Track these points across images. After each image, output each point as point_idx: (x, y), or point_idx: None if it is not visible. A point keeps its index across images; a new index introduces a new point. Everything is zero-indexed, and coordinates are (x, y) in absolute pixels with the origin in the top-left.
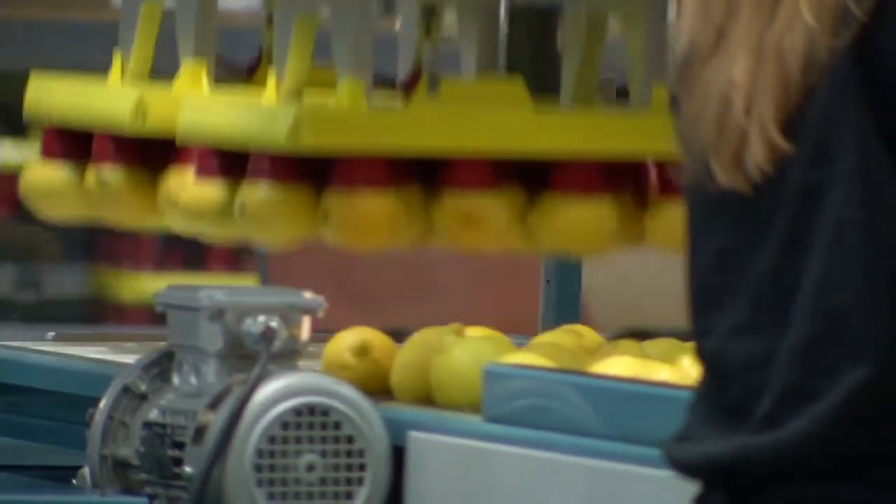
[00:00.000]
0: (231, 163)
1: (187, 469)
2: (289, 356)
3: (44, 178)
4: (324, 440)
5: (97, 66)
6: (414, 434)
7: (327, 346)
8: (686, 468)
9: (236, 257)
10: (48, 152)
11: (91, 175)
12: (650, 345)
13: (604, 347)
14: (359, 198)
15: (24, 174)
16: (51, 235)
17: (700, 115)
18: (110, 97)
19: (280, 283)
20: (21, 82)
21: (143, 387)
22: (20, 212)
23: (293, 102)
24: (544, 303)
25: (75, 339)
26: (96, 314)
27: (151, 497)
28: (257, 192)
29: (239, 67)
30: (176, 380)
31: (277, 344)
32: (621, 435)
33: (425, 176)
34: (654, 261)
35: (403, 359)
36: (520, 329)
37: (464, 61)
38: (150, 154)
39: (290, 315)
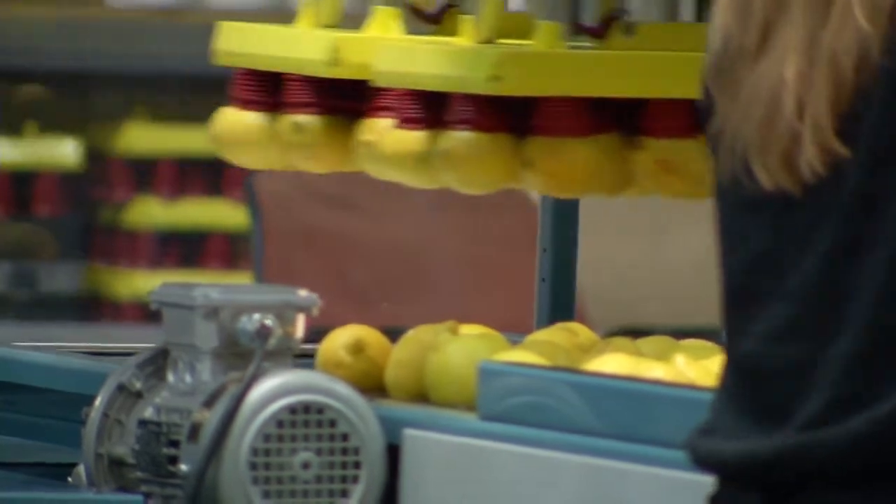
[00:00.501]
0: (431, 108)
1: (182, 467)
2: (284, 354)
3: (236, 125)
4: (319, 438)
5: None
6: (409, 432)
7: (322, 344)
8: (719, 463)
9: (231, 255)
10: (240, 99)
11: (285, 122)
12: (644, 342)
13: (598, 345)
14: (562, 145)
15: (216, 122)
16: (46, 233)
17: (746, 115)
18: (304, 42)
19: (275, 281)
20: (10, 82)
21: (138, 385)
22: (15, 210)
23: (492, 46)
24: (539, 301)
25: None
26: (91, 312)
27: (147, 495)
28: (458, 138)
29: (427, 14)
30: (171, 378)
31: (272, 342)
32: (616, 432)
33: (623, 122)
34: (646, 261)
35: (398, 356)
36: (515, 327)
37: (646, 8)
38: (345, 99)
39: (284, 313)
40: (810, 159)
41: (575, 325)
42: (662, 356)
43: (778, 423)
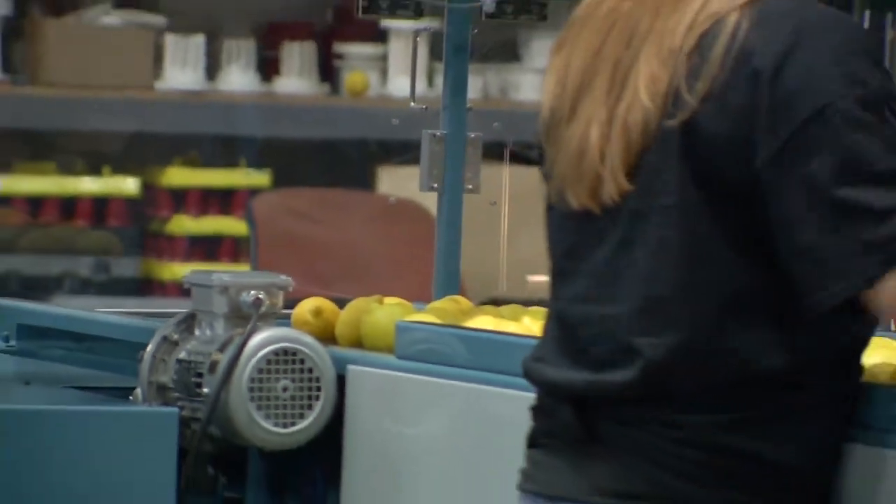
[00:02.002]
0: None
1: (205, 390)
2: (270, 317)
3: None
4: (293, 371)
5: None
6: (351, 367)
7: (294, 310)
8: (543, 384)
9: (237, 253)
10: None
11: None
12: (503, 309)
13: (473, 311)
14: None
15: None
16: (116, 238)
17: (564, 161)
18: None
19: (266, 269)
20: (93, 138)
21: (175, 336)
22: (97, 222)
23: None
24: (435, 282)
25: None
26: (145, 290)
27: (181, 409)
28: None
29: None
30: (197, 332)
31: (263, 309)
32: (486, 367)
33: None
34: (504, 254)
35: (344, 318)
36: (419, 299)
37: None
38: None
39: (270, 290)
40: (609, 191)
41: (459, 298)
42: (515, 318)
43: (581, 361)
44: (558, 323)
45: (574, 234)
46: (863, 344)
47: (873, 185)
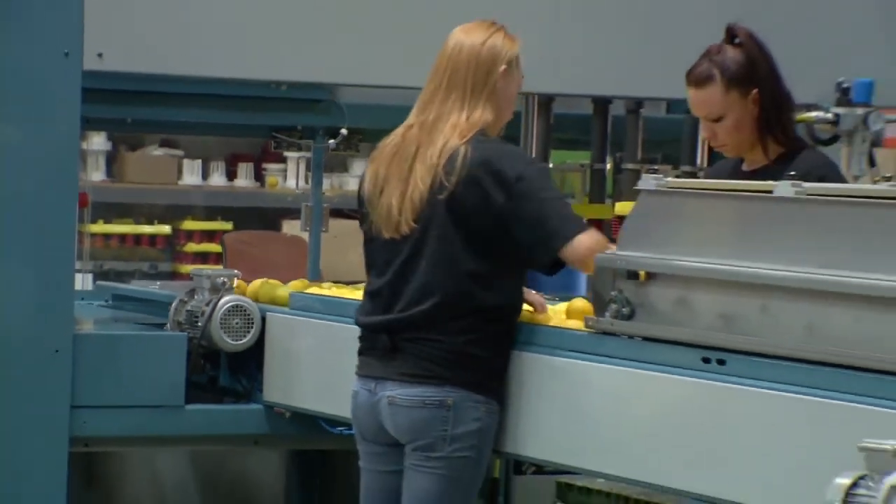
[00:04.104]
0: None
1: (198, 325)
2: (229, 290)
3: None
4: (240, 315)
5: None
6: (269, 314)
7: (240, 285)
8: (366, 325)
9: (217, 261)
10: None
11: None
12: (343, 288)
13: (333, 288)
14: None
15: None
16: (163, 254)
17: (378, 215)
18: None
19: (231, 267)
20: None
21: (186, 299)
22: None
23: None
24: (309, 275)
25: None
26: (172, 277)
27: (188, 334)
28: None
29: None
30: (196, 297)
31: (227, 287)
32: (338, 316)
33: None
34: (336, 260)
35: (264, 290)
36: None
37: None
38: None
39: (230, 277)
40: (403, 229)
41: (323, 283)
42: (349, 292)
43: (389, 312)
44: (374, 294)
45: (385, 251)
46: (521, 299)
47: (559, 206)
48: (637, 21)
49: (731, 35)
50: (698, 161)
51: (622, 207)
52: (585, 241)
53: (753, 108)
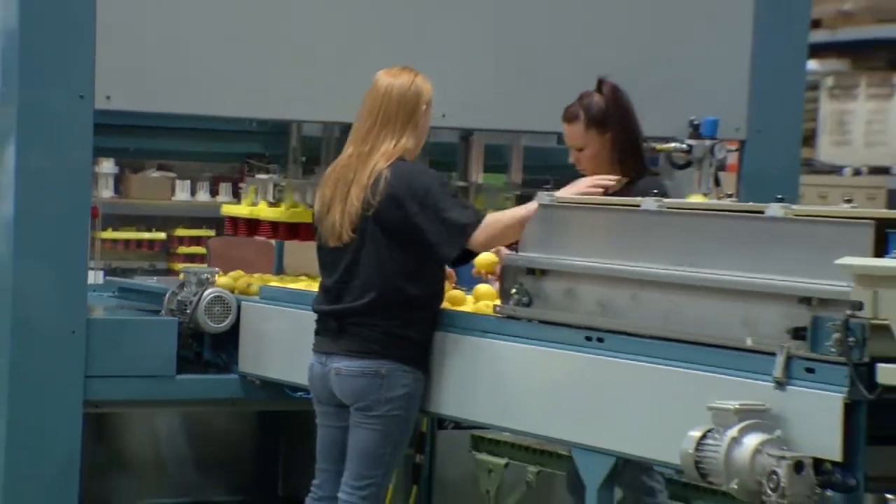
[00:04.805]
0: None
1: (187, 312)
2: (212, 284)
3: None
4: (220, 304)
5: None
6: (244, 302)
7: (220, 278)
8: (320, 311)
9: (204, 260)
10: None
11: None
12: (296, 280)
13: (292, 280)
14: None
15: None
16: (159, 255)
17: (325, 229)
18: None
19: (213, 266)
20: None
21: (177, 291)
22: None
23: None
24: (275, 270)
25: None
26: (168, 274)
27: (179, 318)
28: None
29: None
30: (185, 289)
31: (210, 281)
32: (296, 302)
33: None
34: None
35: (240, 283)
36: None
37: None
38: None
39: (212, 274)
40: (345, 238)
41: (285, 277)
42: (308, 284)
43: (337, 302)
44: (326, 289)
45: (332, 256)
46: (442, 290)
47: (460, 208)
48: (525, 67)
49: (599, 85)
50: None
51: None
52: (481, 233)
53: (608, 145)
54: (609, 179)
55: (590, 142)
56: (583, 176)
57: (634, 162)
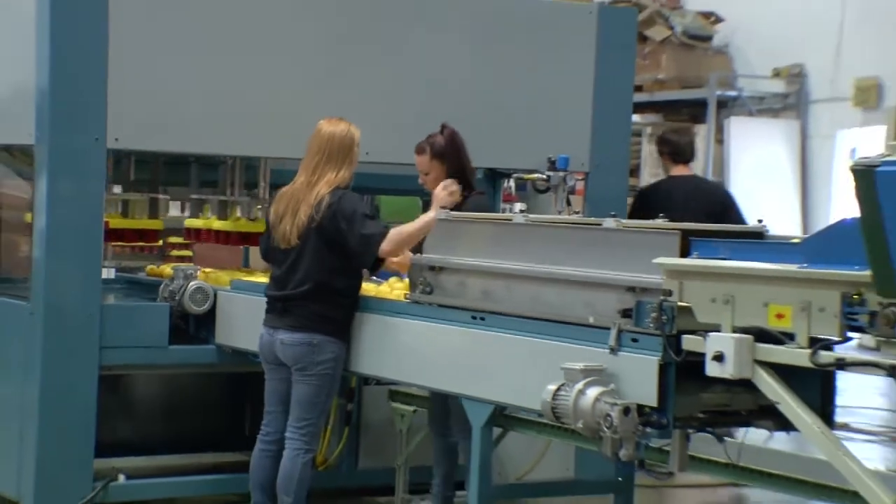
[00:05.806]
0: None
1: (176, 298)
2: (195, 278)
3: None
4: (201, 293)
5: None
6: (219, 292)
7: (202, 274)
8: (270, 297)
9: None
10: None
11: None
12: (255, 274)
13: (254, 273)
14: None
15: None
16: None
17: (277, 235)
18: None
19: (198, 265)
20: None
21: (169, 283)
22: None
23: None
24: (243, 264)
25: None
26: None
27: (170, 304)
28: None
29: None
30: (174, 282)
31: (193, 276)
32: (256, 291)
33: None
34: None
35: (220, 277)
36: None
37: None
38: None
39: (195, 270)
40: (292, 242)
41: (252, 271)
42: (262, 276)
43: (283, 289)
44: (276, 280)
45: (281, 255)
46: (360, 282)
47: (373, 226)
48: (403, 120)
49: (442, 129)
50: None
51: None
52: (386, 244)
53: (446, 172)
54: (452, 183)
55: (432, 169)
56: (429, 194)
57: (464, 185)
